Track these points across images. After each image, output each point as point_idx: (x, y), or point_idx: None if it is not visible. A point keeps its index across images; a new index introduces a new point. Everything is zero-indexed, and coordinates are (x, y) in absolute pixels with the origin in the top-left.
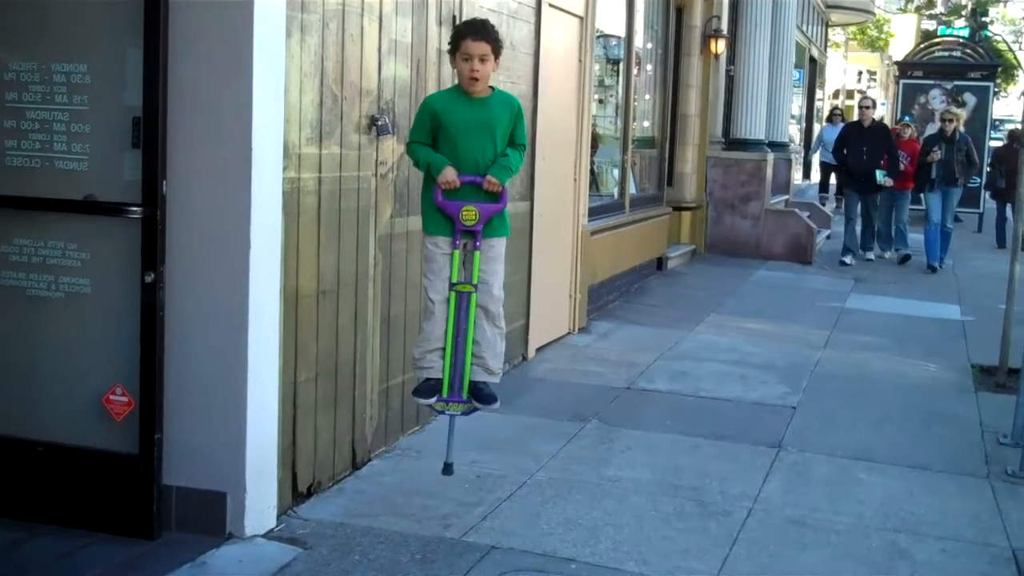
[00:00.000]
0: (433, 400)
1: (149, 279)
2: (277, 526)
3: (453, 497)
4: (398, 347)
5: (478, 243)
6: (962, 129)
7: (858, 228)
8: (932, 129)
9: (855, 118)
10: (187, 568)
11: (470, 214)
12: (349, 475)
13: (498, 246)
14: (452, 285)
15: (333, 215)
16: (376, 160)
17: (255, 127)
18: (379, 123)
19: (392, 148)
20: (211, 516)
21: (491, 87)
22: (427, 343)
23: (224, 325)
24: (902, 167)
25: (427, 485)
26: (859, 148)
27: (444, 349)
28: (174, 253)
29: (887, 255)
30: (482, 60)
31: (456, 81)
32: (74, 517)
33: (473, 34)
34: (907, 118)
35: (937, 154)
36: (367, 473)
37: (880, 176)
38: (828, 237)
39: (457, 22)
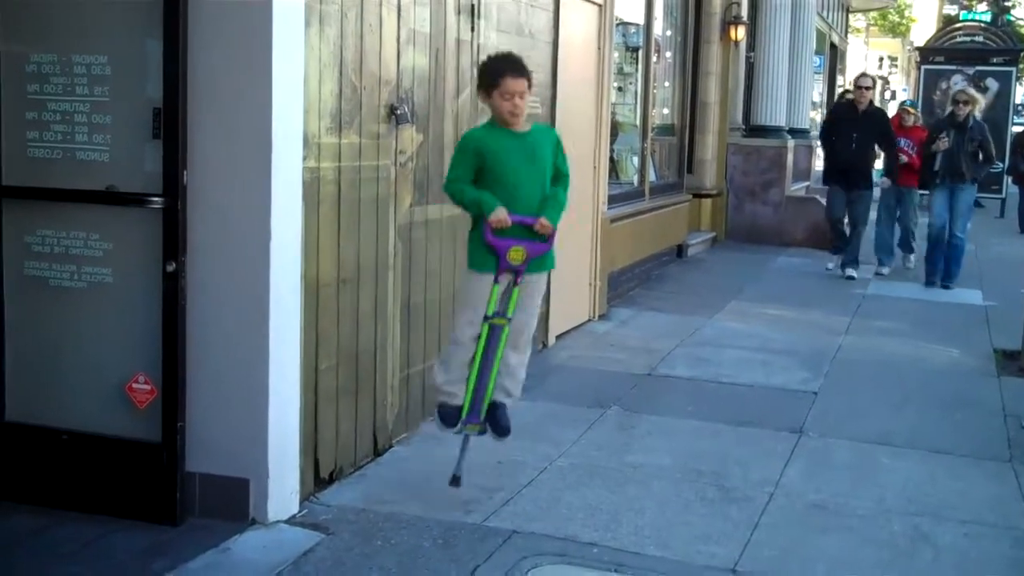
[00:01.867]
0: (455, 429)
1: (171, 268)
2: (300, 512)
3: (475, 483)
4: (418, 335)
5: (519, 279)
6: (978, 115)
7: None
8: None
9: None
10: (211, 553)
11: (518, 254)
12: (371, 461)
13: (539, 282)
14: (487, 318)
15: (353, 204)
16: (395, 149)
17: (275, 117)
18: (398, 112)
19: (411, 137)
20: (234, 502)
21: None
22: (453, 372)
23: (245, 314)
24: (905, 160)
25: (449, 471)
26: (848, 135)
27: (468, 376)
28: (195, 243)
29: (885, 270)
30: (521, 96)
31: (482, 117)
32: (99, 504)
33: (513, 72)
34: (909, 102)
35: (944, 142)
36: (388, 459)
37: (877, 176)
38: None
39: (476, 11)
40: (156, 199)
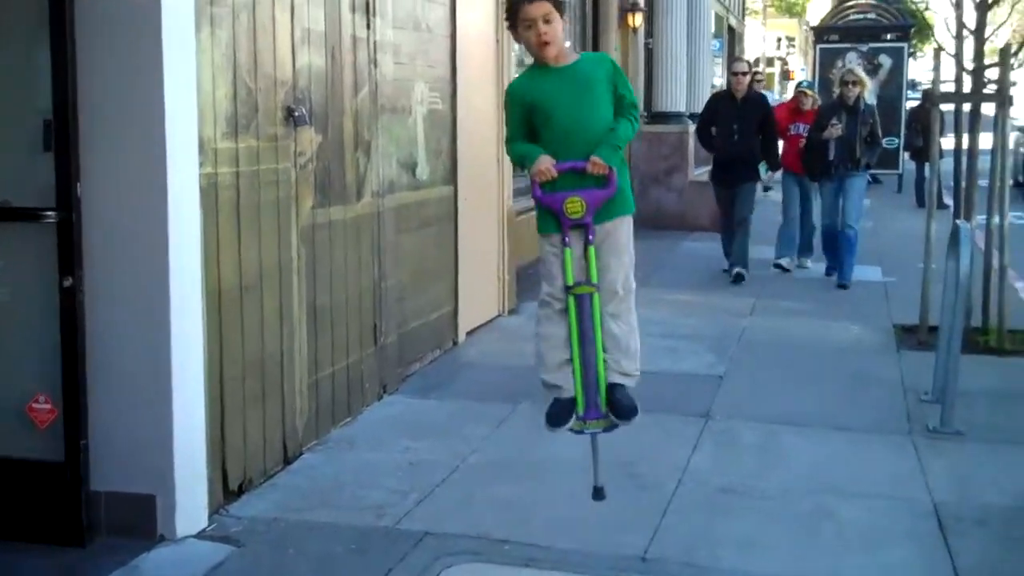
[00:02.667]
0: (570, 423)
1: (67, 283)
2: (209, 526)
3: (387, 486)
4: (326, 338)
5: (591, 235)
6: (867, 96)
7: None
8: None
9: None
10: (118, 573)
11: (575, 205)
12: (281, 470)
13: (616, 231)
14: (568, 288)
15: (253, 209)
16: (295, 151)
17: (168, 124)
18: (296, 113)
19: (310, 138)
20: (142, 519)
21: (576, 52)
22: (550, 358)
23: (146, 326)
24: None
25: (360, 475)
26: (728, 126)
27: (572, 362)
28: (92, 256)
29: (791, 264)
30: (546, 21)
31: (524, 62)
32: (3, 529)
33: None
34: (805, 83)
35: (837, 128)
36: (299, 467)
37: (763, 171)
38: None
39: (371, 8)
40: (50, 213)
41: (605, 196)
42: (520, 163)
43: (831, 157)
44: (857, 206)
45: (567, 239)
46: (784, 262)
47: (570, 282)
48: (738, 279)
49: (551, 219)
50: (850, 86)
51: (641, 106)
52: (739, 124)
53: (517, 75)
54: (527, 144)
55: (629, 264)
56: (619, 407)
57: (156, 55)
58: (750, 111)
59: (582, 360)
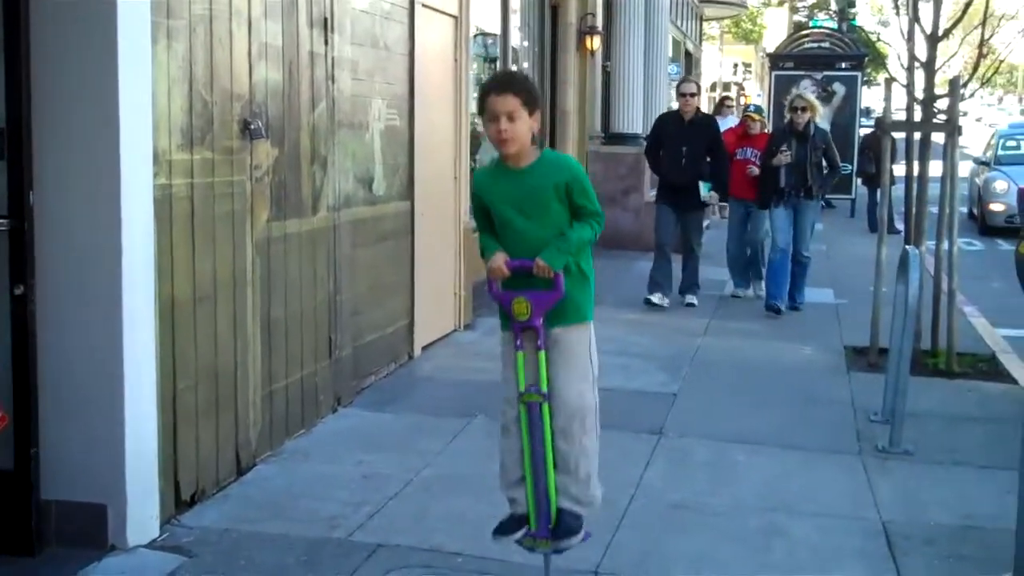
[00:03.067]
0: (520, 535)
1: (19, 292)
2: (160, 536)
3: (340, 498)
4: (280, 350)
5: (539, 339)
6: (819, 121)
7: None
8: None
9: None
10: None
11: (521, 307)
12: (234, 481)
13: (565, 339)
14: (520, 395)
15: (208, 220)
16: (250, 164)
17: (123, 135)
18: (252, 127)
19: (266, 151)
20: (93, 529)
21: (542, 150)
22: (509, 471)
23: (98, 335)
24: (756, 171)
25: (314, 487)
26: (677, 149)
27: (524, 475)
28: (44, 264)
29: (747, 293)
30: (510, 118)
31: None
32: None
33: (496, 88)
34: (753, 107)
35: (786, 156)
36: (253, 478)
37: (704, 190)
38: (707, 227)
39: (329, 24)
40: (2, 221)
41: (551, 299)
42: (481, 255)
43: (782, 184)
44: (808, 233)
45: (519, 341)
46: (741, 292)
47: (521, 387)
48: (689, 305)
49: (506, 317)
50: (799, 112)
51: (598, 126)
52: (688, 146)
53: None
54: (490, 238)
55: (583, 377)
56: (558, 529)
57: (111, 66)
58: (698, 133)
59: (532, 473)
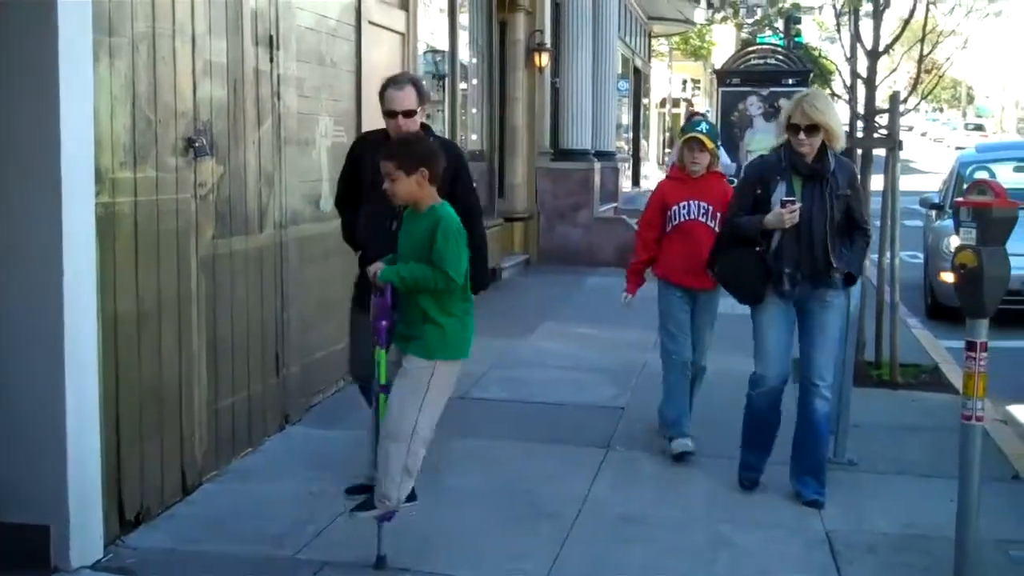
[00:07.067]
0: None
1: None
2: (104, 557)
3: (287, 516)
4: (226, 368)
5: (380, 339)
6: (837, 148)
7: None
8: (762, 141)
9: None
10: None
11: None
12: (180, 500)
13: (407, 365)
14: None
15: (151, 238)
16: (195, 182)
17: (64, 153)
18: (196, 144)
19: (211, 169)
20: (35, 550)
21: (437, 202)
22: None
23: (40, 354)
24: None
25: (260, 506)
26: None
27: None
28: None
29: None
30: (392, 180)
31: None
32: None
33: (384, 153)
34: (704, 126)
35: (793, 212)
36: (199, 498)
37: (624, 300)
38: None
39: (274, 42)
40: None
41: (376, 304)
42: None
43: (784, 266)
44: (831, 352)
45: (375, 339)
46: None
47: (383, 381)
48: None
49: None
50: (802, 134)
51: (547, 142)
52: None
53: None
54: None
55: (412, 414)
56: (362, 505)
57: (52, 85)
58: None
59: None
